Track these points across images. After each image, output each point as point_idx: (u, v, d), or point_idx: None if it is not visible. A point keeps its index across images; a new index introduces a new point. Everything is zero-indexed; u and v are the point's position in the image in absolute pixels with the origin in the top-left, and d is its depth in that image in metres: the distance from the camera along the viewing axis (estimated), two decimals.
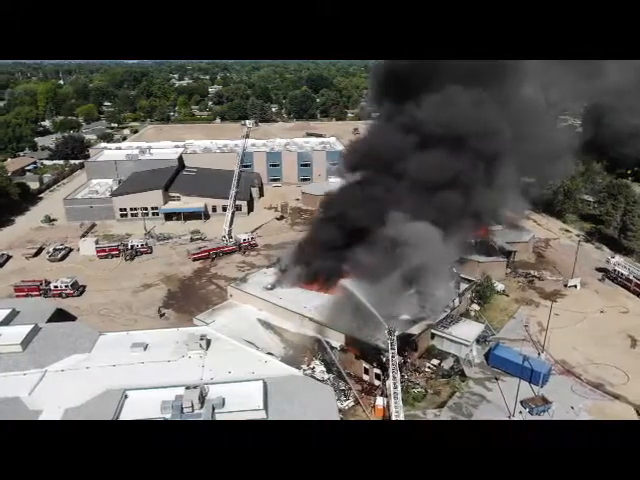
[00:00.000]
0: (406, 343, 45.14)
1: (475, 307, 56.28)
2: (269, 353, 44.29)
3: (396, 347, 31.79)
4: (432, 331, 48.56)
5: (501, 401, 41.54)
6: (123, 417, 33.92)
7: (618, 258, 66.12)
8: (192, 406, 34.04)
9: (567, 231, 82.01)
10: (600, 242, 75.69)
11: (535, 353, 47.53)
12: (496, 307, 57.00)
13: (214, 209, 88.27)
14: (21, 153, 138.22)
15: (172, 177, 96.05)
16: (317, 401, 36.07)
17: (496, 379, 44.34)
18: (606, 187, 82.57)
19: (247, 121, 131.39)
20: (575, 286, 61.49)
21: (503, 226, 68.71)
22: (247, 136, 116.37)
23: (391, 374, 31.77)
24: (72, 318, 53.54)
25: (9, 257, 71.33)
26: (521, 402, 40.78)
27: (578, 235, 79.26)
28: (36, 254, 72.47)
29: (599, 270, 65.44)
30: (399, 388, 31.48)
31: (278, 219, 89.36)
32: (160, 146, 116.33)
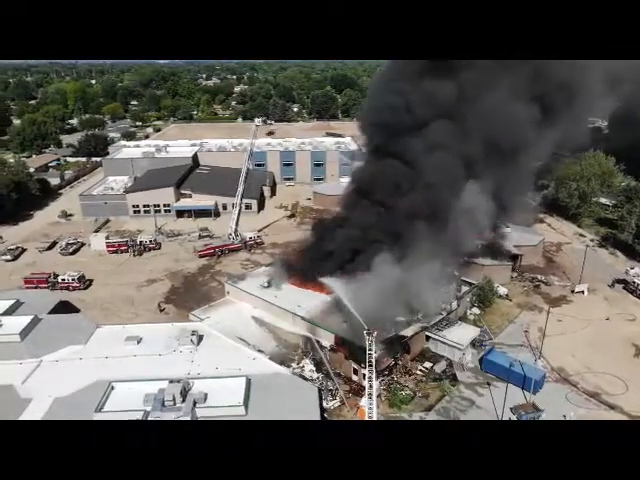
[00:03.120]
0: (398, 345, 44.82)
1: (475, 311, 55.23)
2: (259, 350, 44.57)
3: (374, 348, 31.62)
4: (427, 333, 48.04)
5: (491, 407, 40.76)
6: (107, 408, 34.69)
7: (638, 269, 63.27)
8: (174, 400, 34.54)
9: (582, 235, 79.58)
10: (614, 247, 73.27)
11: (532, 359, 46.48)
12: (497, 311, 55.84)
13: (224, 207, 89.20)
14: (46, 150, 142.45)
15: (185, 175, 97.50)
16: (300, 400, 36.06)
17: (488, 384, 43.51)
18: (624, 190, 79.94)
19: (257, 120, 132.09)
20: (582, 292, 59.73)
21: (511, 228, 67.34)
22: (256, 135, 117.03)
23: (367, 374, 31.69)
24: (76, 310, 55.01)
25: (24, 250, 73.82)
26: (510, 409, 39.96)
27: (592, 240, 76.92)
28: (49, 248, 74.80)
29: (618, 282, 62.13)
30: (374, 388, 31.38)
31: (289, 217, 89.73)
32: (177, 144, 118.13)
